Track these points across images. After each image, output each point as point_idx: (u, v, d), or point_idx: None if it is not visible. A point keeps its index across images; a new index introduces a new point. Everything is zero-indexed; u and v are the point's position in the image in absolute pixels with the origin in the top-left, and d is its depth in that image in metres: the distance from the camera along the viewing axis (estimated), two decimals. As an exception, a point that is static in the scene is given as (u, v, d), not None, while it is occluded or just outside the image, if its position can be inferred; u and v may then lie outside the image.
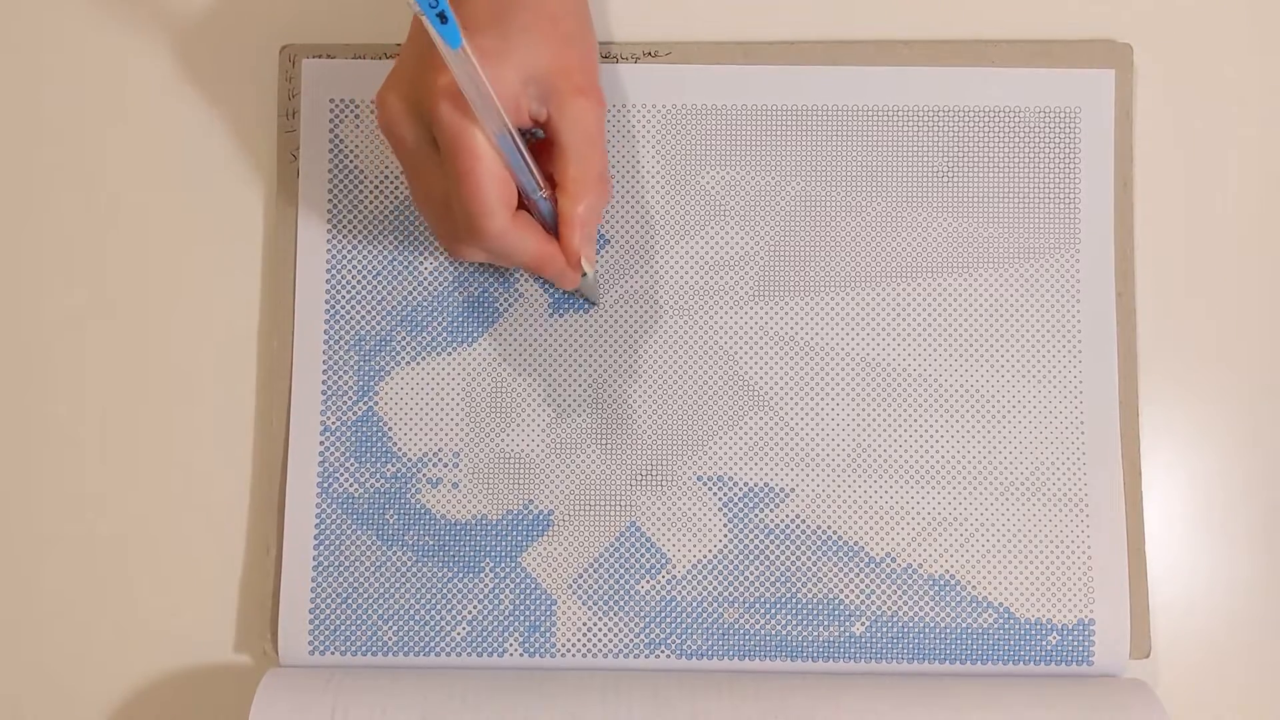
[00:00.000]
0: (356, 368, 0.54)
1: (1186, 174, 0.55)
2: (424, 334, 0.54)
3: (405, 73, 0.45)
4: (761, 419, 0.53)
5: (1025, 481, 0.53)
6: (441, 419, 0.53)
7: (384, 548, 0.53)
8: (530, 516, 0.53)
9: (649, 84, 0.54)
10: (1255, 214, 0.55)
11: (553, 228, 0.48)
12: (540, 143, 0.48)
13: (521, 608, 0.53)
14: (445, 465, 0.53)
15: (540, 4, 0.45)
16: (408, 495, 0.53)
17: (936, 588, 0.53)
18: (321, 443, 0.53)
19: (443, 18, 0.39)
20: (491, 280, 0.54)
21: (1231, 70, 0.55)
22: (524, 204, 0.47)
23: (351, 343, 0.54)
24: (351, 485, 0.53)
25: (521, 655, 0.53)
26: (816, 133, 0.54)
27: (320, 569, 0.53)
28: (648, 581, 0.53)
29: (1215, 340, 0.54)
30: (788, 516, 0.53)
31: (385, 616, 0.53)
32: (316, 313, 0.54)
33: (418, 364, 0.54)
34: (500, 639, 0.53)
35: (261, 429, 0.54)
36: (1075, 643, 0.52)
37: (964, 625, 0.52)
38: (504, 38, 0.44)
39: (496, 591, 0.53)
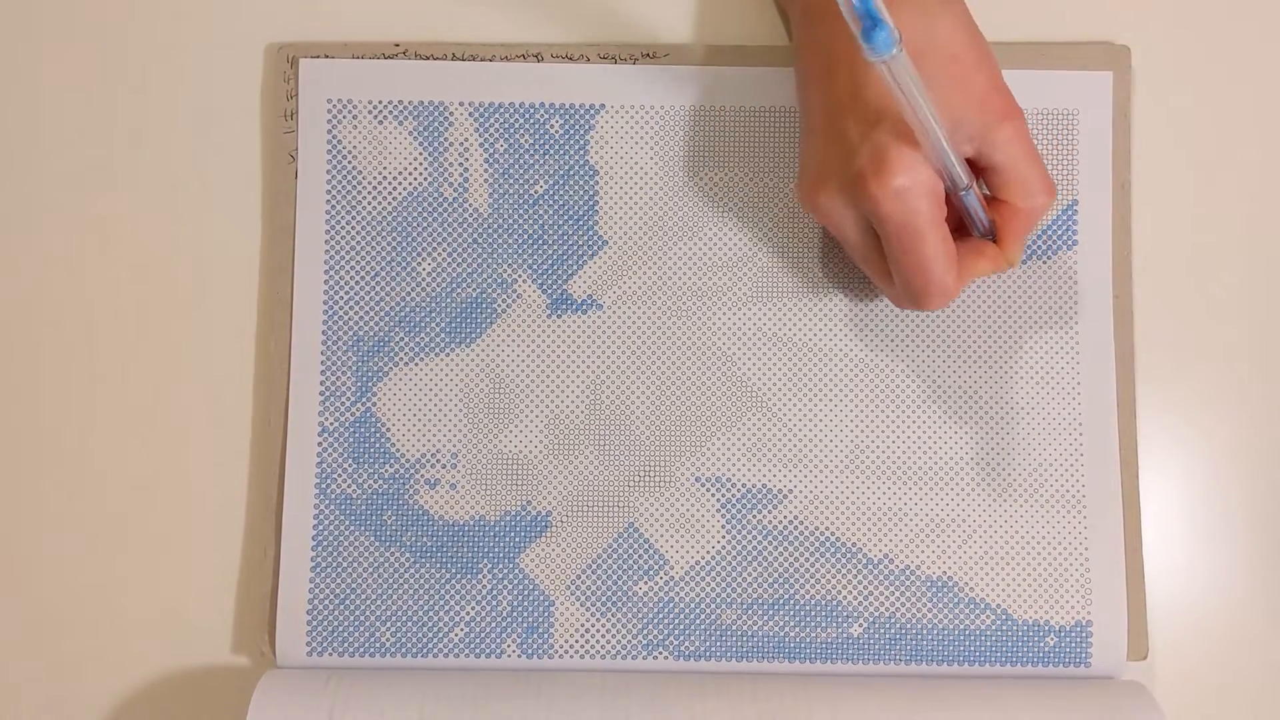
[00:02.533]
0: (354, 368, 0.54)
1: (1184, 176, 0.55)
2: (422, 335, 0.54)
3: (828, 171, 0.47)
4: (759, 420, 0.53)
5: (1023, 483, 0.53)
6: (439, 420, 0.53)
7: (382, 549, 0.53)
8: (528, 517, 0.53)
9: (647, 85, 0.54)
10: (1253, 216, 0.55)
11: (978, 220, 0.48)
12: (983, 171, 0.48)
13: (519, 609, 0.53)
14: (443, 466, 0.53)
15: (939, 48, 0.46)
16: (406, 496, 0.53)
17: (934, 589, 0.53)
18: (319, 444, 0.53)
19: (875, 25, 0.39)
20: (489, 281, 0.54)
21: (1230, 72, 0.55)
22: (948, 199, 0.47)
23: (349, 343, 0.54)
24: (349, 486, 0.53)
25: (519, 656, 0.53)
26: (815, 134, 0.54)
27: (318, 570, 0.53)
28: (646, 583, 0.53)
29: (1213, 342, 0.54)
30: (786, 518, 0.53)
31: (383, 617, 0.53)
32: (314, 313, 0.54)
33: (416, 365, 0.54)
34: (498, 640, 0.53)
35: (259, 430, 0.54)
36: (1073, 644, 0.52)
37: (962, 626, 0.52)
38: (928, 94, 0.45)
39: (494, 593, 0.53)
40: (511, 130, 0.54)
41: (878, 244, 0.48)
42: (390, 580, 0.53)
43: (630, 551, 0.53)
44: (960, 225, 0.49)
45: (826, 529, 0.53)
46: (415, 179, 0.54)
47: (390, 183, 0.54)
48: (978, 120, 0.46)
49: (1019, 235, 0.49)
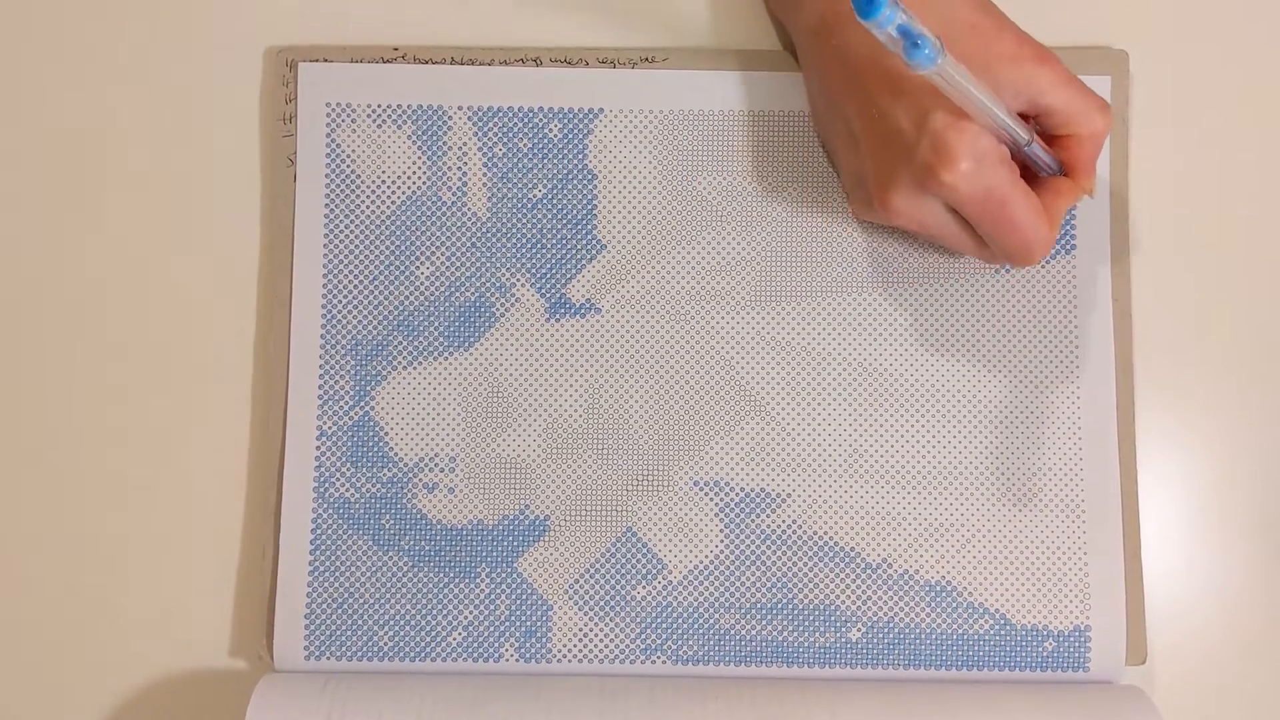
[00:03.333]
0: (353, 372, 0.54)
1: (1183, 180, 0.55)
2: (420, 338, 0.54)
3: (891, 175, 0.48)
4: (758, 424, 0.53)
5: (1022, 487, 0.53)
6: (438, 424, 0.53)
7: (380, 553, 0.53)
8: (526, 522, 0.53)
9: (646, 90, 0.54)
10: (1252, 220, 0.55)
11: (1045, 166, 0.49)
12: (1038, 117, 0.48)
13: (517, 613, 0.53)
14: (441, 470, 0.53)
15: (959, 23, 0.46)
16: (404, 500, 0.53)
17: (933, 593, 0.53)
18: (317, 447, 0.53)
19: (915, 44, 0.40)
20: (488, 285, 0.54)
21: (1227, 76, 0.55)
22: (1015, 156, 0.48)
23: (348, 347, 0.54)
24: (347, 490, 0.53)
25: (517, 661, 0.53)
26: (813, 139, 0.54)
27: (316, 574, 0.53)
28: (644, 587, 0.53)
29: (1212, 347, 0.54)
30: (784, 522, 0.53)
31: (381, 622, 0.53)
32: (313, 317, 0.54)
33: (414, 369, 0.54)
34: (496, 644, 0.53)
35: (257, 433, 0.54)
36: (1071, 649, 0.52)
37: (960, 631, 0.52)
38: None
39: (492, 597, 0.53)
40: (510, 134, 0.54)
41: (966, 223, 0.48)
42: (388, 584, 0.53)
43: (628, 556, 0.53)
44: (1026, 171, 0.49)
45: (825, 533, 0.53)
46: (414, 183, 0.54)
47: (389, 186, 0.54)
48: (1017, 75, 0.46)
49: (1090, 163, 0.49)
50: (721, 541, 0.53)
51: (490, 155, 0.54)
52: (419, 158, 0.54)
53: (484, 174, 0.54)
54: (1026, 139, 0.47)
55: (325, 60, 0.55)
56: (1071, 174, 0.49)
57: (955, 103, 0.45)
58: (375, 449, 0.53)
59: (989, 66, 0.46)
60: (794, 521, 0.53)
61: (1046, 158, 0.49)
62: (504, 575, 0.53)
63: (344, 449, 0.53)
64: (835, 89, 0.49)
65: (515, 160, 0.54)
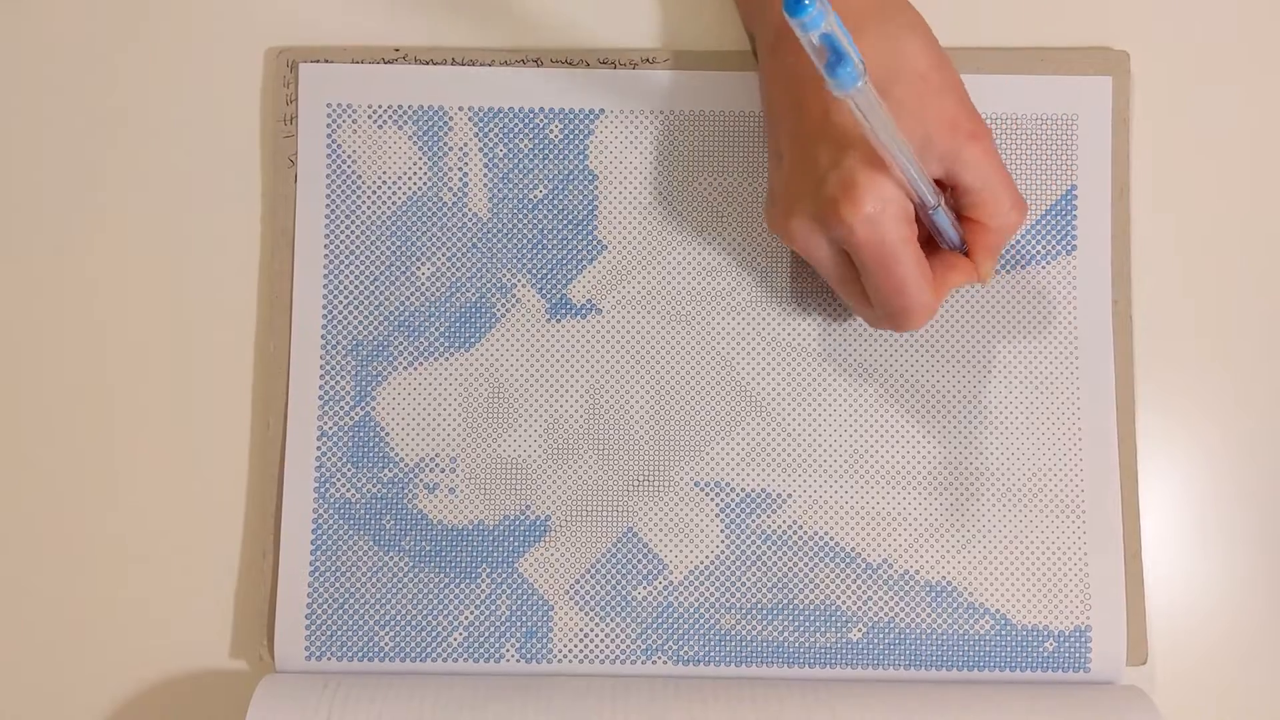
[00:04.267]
0: (353, 372, 0.54)
1: (1183, 181, 0.55)
2: (421, 339, 0.54)
3: (797, 198, 0.47)
4: (758, 424, 0.53)
5: (1022, 488, 0.53)
6: (438, 424, 0.53)
7: (380, 553, 0.53)
8: (527, 522, 0.53)
9: (647, 90, 0.54)
10: (1251, 221, 0.55)
11: (949, 236, 0.49)
12: (952, 190, 0.48)
13: (518, 614, 0.53)
14: (442, 470, 0.53)
15: (906, 69, 0.46)
16: (404, 500, 0.53)
17: (933, 594, 0.53)
18: (318, 448, 0.53)
19: (840, 60, 0.40)
20: (489, 285, 0.54)
21: (1228, 77, 0.55)
22: (918, 216, 0.47)
23: (348, 347, 0.54)
24: (348, 490, 0.53)
25: (518, 661, 0.53)
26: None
27: (317, 574, 0.53)
28: (645, 587, 0.53)
29: (1212, 348, 0.54)
30: (785, 522, 0.53)
31: (382, 622, 0.53)
32: (313, 317, 0.54)
33: (415, 369, 0.54)
34: (497, 645, 0.53)
35: (258, 433, 0.54)
36: (1072, 649, 0.52)
37: (961, 631, 0.52)
38: (897, 118, 0.45)
39: (493, 597, 0.53)
40: (511, 135, 0.54)
41: (852, 268, 0.48)
42: (389, 584, 0.53)
43: (629, 556, 0.53)
44: (929, 240, 0.49)
45: (826, 534, 0.53)
46: (415, 183, 0.54)
47: (390, 187, 0.54)
48: (947, 140, 0.46)
49: (990, 251, 0.49)
50: (722, 542, 0.53)
51: (491, 156, 0.54)
52: (420, 158, 0.54)
53: (485, 174, 0.54)
54: (934, 202, 0.47)
55: (326, 61, 0.55)
56: (972, 256, 0.49)
57: (870, 143, 0.44)
58: (376, 449, 0.53)
59: (923, 122, 0.46)
60: (794, 522, 0.53)
61: (951, 229, 0.48)
62: (505, 575, 0.53)
63: (345, 449, 0.53)
64: (777, 104, 0.49)
65: (516, 161, 0.54)
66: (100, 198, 0.55)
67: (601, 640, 0.53)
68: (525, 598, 0.53)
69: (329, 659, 0.53)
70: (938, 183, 0.47)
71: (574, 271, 0.54)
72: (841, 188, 0.45)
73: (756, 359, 0.54)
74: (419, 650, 0.53)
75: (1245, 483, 0.54)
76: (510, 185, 0.54)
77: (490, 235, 0.54)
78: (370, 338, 0.54)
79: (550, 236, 0.54)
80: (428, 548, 0.53)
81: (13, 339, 0.55)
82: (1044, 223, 0.54)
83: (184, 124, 0.55)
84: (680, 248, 0.54)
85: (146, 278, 0.55)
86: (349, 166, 0.54)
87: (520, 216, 0.54)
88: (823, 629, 0.53)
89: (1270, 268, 0.55)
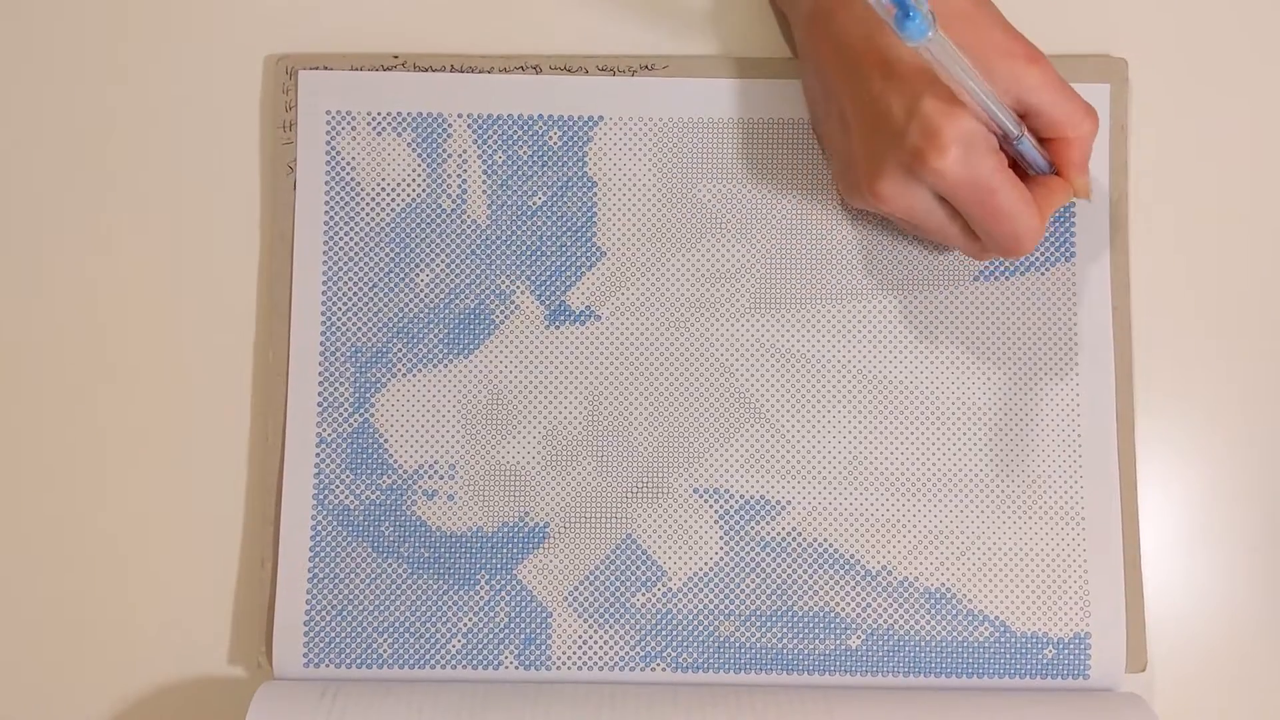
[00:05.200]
0: (352, 379, 0.54)
1: (1181, 187, 0.55)
2: (420, 346, 0.54)
3: (880, 160, 0.48)
4: (757, 431, 0.53)
5: (1021, 494, 0.53)
6: (437, 431, 0.53)
7: (379, 560, 0.53)
8: (526, 529, 0.53)
9: (646, 97, 0.54)
10: (1250, 226, 0.55)
11: (1036, 163, 0.49)
12: (1023, 116, 0.48)
13: (517, 620, 0.53)
14: (441, 477, 0.53)
15: (953, 11, 0.46)
16: (403, 507, 0.53)
17: (932, 601, 0.53)
18: (317, 454, 0.53)
19: (907, 14, 0.40)
20: (487, 292, 0.54)
21: (1226, 84, 0.55)
22: (1004, 149, 0.48)
23: (347, 354, 0.54)
24: (347, 497, 0.53)
25: (517, 668, 0.53)
26: (813, 146, 0.54)
27: (315, 581, 0.53)
28: (643, 594, 0.53)
29: (1211, 354, 0.54)
30: (784, 529, 0.53)
31: (380, 629, 0.53)
32: (312, 324, 0.54)
33: (414, 376, 0.54)
34: (496, 652, 0.53)
35: (257, 441, 0.54)
36: (1071, 656, 0.52)
37: (960, 638, 0.52)
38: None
39: (492, 604, 0.53)
40: (510, 142, 0.54)
41: (952, 210, 0.48)
42: (388, 591, 0.53)
43: (628, 563, 0.53)
44: (1018, 168, 0.49)
45: (824, 540, 0.53)
46: (413, 190, 0.54)
47: (388, 194, 0.54)
48: (1007, 69, 0.46)
49: (1079, 165, 0.49)
50: (721, 548, 0.53)
51: (490, 162, 0.54)
52: (419, 165, 0.54)
53: (484, 181, 0.54)
54: (1017, 133, 0.47)
55: (325, 68, 0.55)
56: (1063, 175, 0.49)
57: (947, 86, 0.44)
58: (375, 456, 0.53)
59: (981, 56, 0.46)
60: (793, 528, 0.53)
61: (1038, 156, 0.49)
62: (503, 582, 0.53)
63: (343, 456, 0.53)
64: (830, 74, 0.49)
65: (515, 167, 0.54)
66: (99, 204, 0.55)
67: (600, 647, 0.53)
68: (524, 604, 0.53)
69: (327, 666, 0.53)
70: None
71: (573, 278, 0.54)
72: (924, 136, 0.46)
73: (755, 366, 0.54)
74: (417, 657, 0.53)
75: (1245, 489, 0.54)
76: (509, 192, 0.54)
77: (489, 242, 0.54)
78: (369, 345, 0.54)
79: (549, 243, 0.54)
80: (426, 554, 0.53)
81: (11, 347, 0.55)
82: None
83: (183, 131, 0.55)
84: (679, 254, 0.54)
85: (145, 284, 0.55)
86: (348, 173, 0.54)
87: (519, 223, 0.54)
88: (822, 636, 0.52)
89: (1270, 274, 0.55)
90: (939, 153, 0.45)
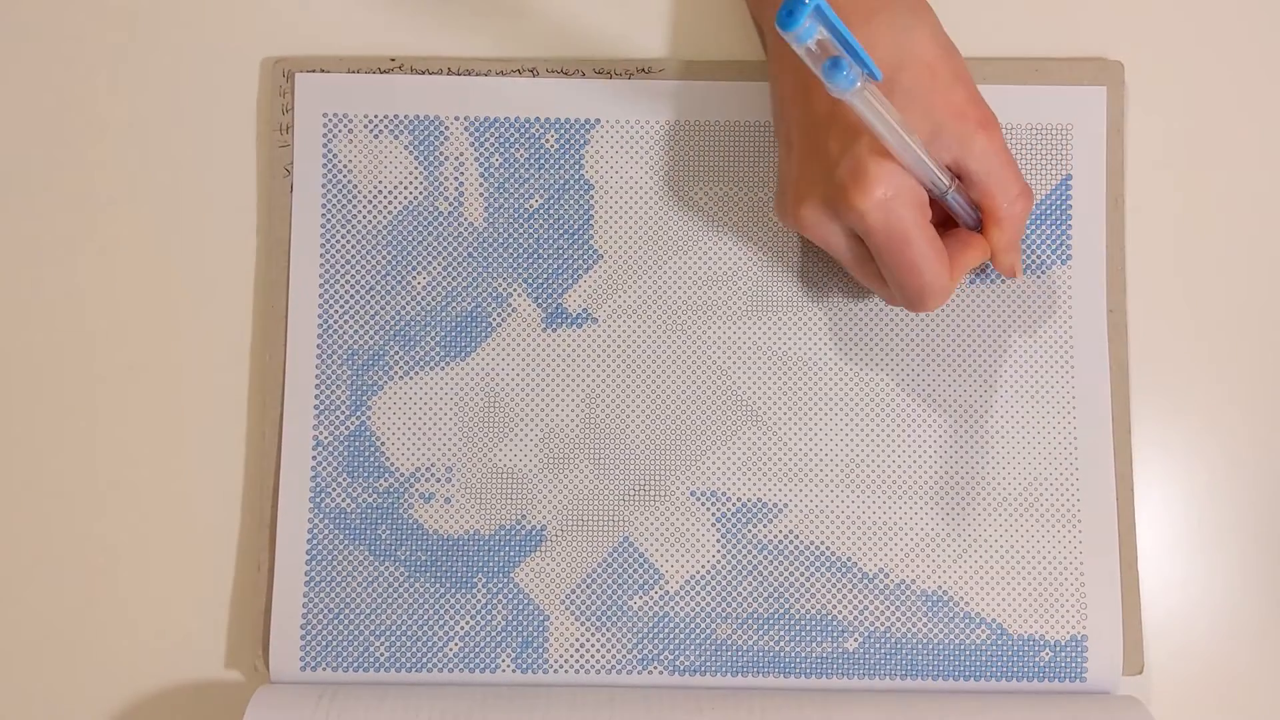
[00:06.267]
0: (349, 382, 0.54)
1: (1178, 190, 0.55)
2: (417, 349, 0.54)
3: (809, 186, 0.48)
4: (755, 434, 0.53)
5: (1018, 497, 0.53)
6: (434, 434, 0.53)
7: (376, 563, 0.53)
8: (523, 532, 0.53)
9: (642, 101, 0.54)
10: (1247, 229, 0.55)
11: (965, 215, 0.49)
12: (961, 179, 0.48)
13: (514, 624, 0.53)
14: (438, 480, 0.53)
15: (914, 60, 0.46)
16: (400, 510, 0.53)
17: (929, 603, 0.53)
18: (314, 457, 0.53)
19: (836, 64, 0.40)
20: (484, 295, 0.54)
21: (1222, 87, 0.55)
22: (933, 200, 0.48)
23: (344, 357, 0.54)
24: (344, 500, 0.53)
25: (514, 672, 0.52)
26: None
27: (312, 584, 0.53)
28: (641, 597, 0.53)
29: (1207, 356, 0.54)
30: (781, 532, 0.53)
31: (377, 632, 0.53)
32: (309, 327, 0.54)
33: (411, 379, 0.54)
34: (493, 655, 0.53)
35: (253, 443, 0.54)
36: (1068, 659, 0.52)
37: (957, 641, 0.52)
38: (902, 108, 0.45)
39: (489, 607, 0.53)
40: (507, 145, 0.54)
41: (866, 251, 0.48)
42: (384, 595, 0.53)
43: (625, 566, 0.53)
44: (948, 219, 0.50)
45: (821, 543, 0.53)
46: (410, 193, 0.54)
47: (385, 197, 0.54)
48: (955, 128, 0.46)
49: (1006, 246, 0.49)
50: (718, 551, 0.53)
51: (487, 165, 0.54)
52: (416, 168, 0.54)
53: (481, 184, 0.54)
54: (945, 187, 0.47)
55: (322, 71, 0.55)
56: (992, 255, 0.49)
57: (877, 137, 0.44)
58: (371, 459, 0.53)
59: (931, 111, 0.46)
60: (790, 531, 0.53)
61: (966, 210, 0.49)
62: (500, 585, 0.53)
63: (340, 459, 0.53)
64: (786, 93, 0.50)
65: (512, 170, 0.54)
66: (95, 207, 0.55)
67: (597, 650, 0.53)
68: (521, 608, 0.53)
69: (324, 669, 0.52)
70: (952, 170, 0.48)
71: (569, 281, 0.54)
72: (851, 174, 0.46)
73: (752, 368, 0.54)
74: (414, 660, 0.53)
75: (1241, 491, 0.54)
76: (506, 195, 0.54)
77: (486, 245, 0.54)
78: (366, 347, 0.54)
79: (546, 246, 0.54)
80: (423, 558, 0.53)
81: (6, 350, 0.55)
82: (1039, 232, 0.54)
83: (180, 134, 0.55)
84: (676, 257, 0.54)
85: (141, 287, 0.55)
86: (345, 176, 0.54)
87: (516, 226, 0.54)
88: (819, 639, 0.52)
89: (1266, 277, 0.55)
90: (862, 193, 0.45)
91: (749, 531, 0.53)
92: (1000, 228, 0.49)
